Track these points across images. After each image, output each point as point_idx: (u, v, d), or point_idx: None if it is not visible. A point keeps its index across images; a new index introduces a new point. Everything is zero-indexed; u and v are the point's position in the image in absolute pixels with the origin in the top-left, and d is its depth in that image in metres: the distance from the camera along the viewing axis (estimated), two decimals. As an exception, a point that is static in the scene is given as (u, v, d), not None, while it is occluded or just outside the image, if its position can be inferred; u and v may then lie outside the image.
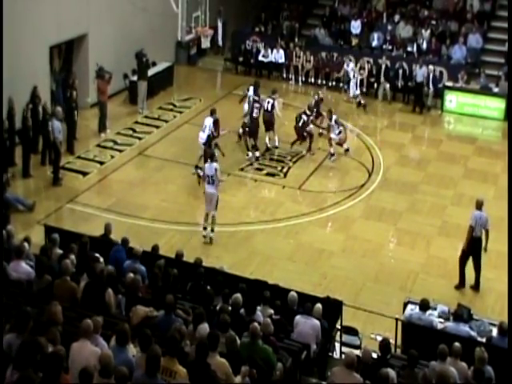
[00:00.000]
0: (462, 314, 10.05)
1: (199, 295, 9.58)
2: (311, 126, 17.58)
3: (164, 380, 6.81)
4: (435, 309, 10.57)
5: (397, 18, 23.75)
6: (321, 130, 18.20)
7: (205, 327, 8.16)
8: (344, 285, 12.67)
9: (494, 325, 9.99)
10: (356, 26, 23.75)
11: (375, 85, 21.78)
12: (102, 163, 16.95)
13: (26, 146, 15.91)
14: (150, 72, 20.56)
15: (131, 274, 9.77)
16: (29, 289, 9.00)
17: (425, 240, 14.05)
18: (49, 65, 18.15)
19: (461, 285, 12.80)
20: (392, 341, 9.74)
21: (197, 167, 16.06)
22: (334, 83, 22.47)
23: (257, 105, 17.18)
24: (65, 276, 9.06)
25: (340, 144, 17.34)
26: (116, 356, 6.83)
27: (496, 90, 20.86)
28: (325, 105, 19.04)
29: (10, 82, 15.28)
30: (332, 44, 23.67)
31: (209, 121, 16.07)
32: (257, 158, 17.18)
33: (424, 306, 10.12)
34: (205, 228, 13.89)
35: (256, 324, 8.35)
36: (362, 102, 20.89)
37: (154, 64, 21.45)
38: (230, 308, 9.02)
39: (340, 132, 17.27)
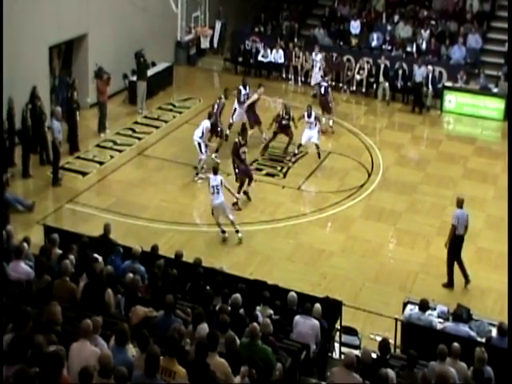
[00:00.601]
0: (461, 315, 10.05)
1: (199, 295, 9.58)
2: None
3: (163, 380, 6.80)
4: (435, 309, 10.57)
5: (396, 18, 23.75)
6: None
7: (204, 327, 8.15)
8: (343, 285, 12.67)
9: (494, 325, 9.99)
10: (355, 27, 23.76)
11: (374, 85, 21.77)
12: (101, 163, 16.95)
13: (25, 146, 15.91)
14: (150, 72, 20.56)
15: (131, 274, 9.77)
16: (28, 289, 9.00)
17: (424, 240, 14.04)
18: (48, 65, 18.15)
19: (450, 284, 12.79)
20: (391, 341, 9.73)
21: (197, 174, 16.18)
22: (333, 83, 22.43)
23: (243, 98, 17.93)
24: (64, 276, 9.06)
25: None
26: (115, 356, 6.83)
27: (495, 90, 20.86)
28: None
29: (10, 82, 15.28)
30: (331, 44, 23.67)
31: (206, 123, 16.15)
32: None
33: (423, 306, 10.12)
34: (223, 231, 13.98)
35: (255, 324, 8.35)
36: (314, 92, 20.89)
37: (154, 64, 21.45)
38: (229, 308, 9.02)
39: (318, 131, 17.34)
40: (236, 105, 18.13)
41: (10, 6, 14.75)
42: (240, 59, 23.78)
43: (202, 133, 16.04)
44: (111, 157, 17.29)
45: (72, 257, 9.89)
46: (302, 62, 22.88)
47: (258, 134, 17.93)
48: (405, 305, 10.80)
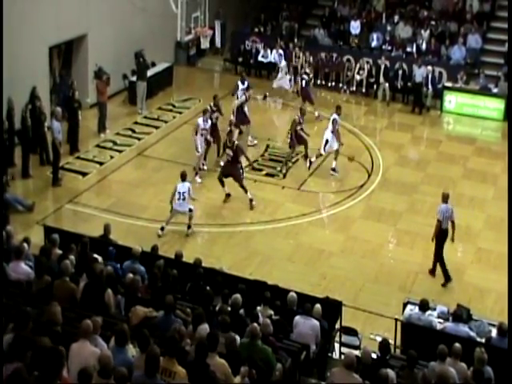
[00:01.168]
0: (461, 315, 10.05)
1: (199, 296, 9.57)
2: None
3: (163, 380, 6.81)
4: (434, 309, 10.57)
5: (396, 18, 23.75)
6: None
7: (205, 328, 8.15)
8: (343, 285, 12.68)
9: (494, 325, 9.99)
10: (355, 27, 23.76)
11: (375, 86, 21.78)
12: (101, 163, 16.95)
13: (25, 147, 15.91)
14: (150, 72, 20.56)
15: (130, 275, 9.77)
16: (28, 289, 8.99)
17: (424, 240, 14.00)
18: (48, 65, 18.16)
19: (446, 280, 12.87)
20: (391, 341, 9.74)
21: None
22: (333, 83, 22.48)
23: (240, 93, 17.96)
24: (64, 276, 9.06)
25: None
26: (115, 356, 6.83)
27: (495, 90, 20.87)
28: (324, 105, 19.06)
29: (10, 83, 15.27)
30: (331, 44, 23.68)
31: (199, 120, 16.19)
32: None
33: (423, 306, 10.12)
34: (162, 228, 13.91)
35: (255, 324, 8.35)
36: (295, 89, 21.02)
37: (154, 64, 21.45)
38: (229, 308, 9.02)
39: None
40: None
41: (9, 6, 14.75)
42: (240, 59, 23.79)
43: (196, 130, 16.07)
44: (111, 157, 17.29)
45: (72, 257, 9.89)
46: (301, 62, 22.87)
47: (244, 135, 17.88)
48: (405, 305, 10.80)
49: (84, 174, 16.36)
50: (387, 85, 21.52)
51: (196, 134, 16.08)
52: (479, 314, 10.68)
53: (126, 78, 20.43)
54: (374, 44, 23.27)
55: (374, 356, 8.65)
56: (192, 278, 10.14)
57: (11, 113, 15.80)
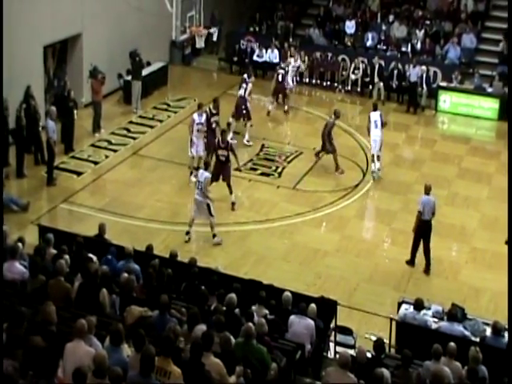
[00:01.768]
0: (455, 314, 10.07)
1: (194, 295, 9.57)
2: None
3: (158, 380, 6.80)
4: (429, 308, 10.59)
5: (391, 18, 23.79)
6: None
7: (202, 328, 8.14)
8: (338, 285, 12.69)
9: (488, 324, 10.02)
10: (350, 26, 23.79)
11: (370, 86, 21.79)
12: (96, 163, 16.93)
13: (19, 146, 15.87)
14: (145, 72, 20.54)
15: (125, 274, 9.76)
16: (23, 289, 8.97)
17: (419, 240, 14.04)
18: (43, 64, 18.12)
19: (411, 263, 13.26)
20: (386, 340, 9.75)
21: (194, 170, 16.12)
22: (328, 83, 22.49)
23: (244, 85, 18.10)
24: (59, 276, 9.05)
25: None
26: (110, 356, 6.82)
27: (490, 90, 20.91)
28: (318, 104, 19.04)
29: (4, 82, 15.22)
30: (326, 44, 23.69)
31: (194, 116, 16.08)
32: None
33: (418, 305, 10.14)
34: (188, 232, 13.77)
35: (250, 324, 8.35)
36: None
37: (149, 64, 21.43)
38: (224, 308, 9.02)
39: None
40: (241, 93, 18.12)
41: (4, 5, 14.69)
42: (235, 59, 23.78)
43: (191, 127, 15.96)
44: (106, 156, 17.27)
45: (67, 256, 9.87)
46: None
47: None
48: (399, 304, 10.82)
49: (79, 174, 16.34)
50: (382, 84, 21.55)
51: (192, 132, 15.93)
52: (474, 313, 10.71)
53: (120, 77, 20.40)
54: (368, 43, 23.30)
55: (368, 355, 8.67)
56: (187, 277, 10.14)
57: (5, 112, 15.76)
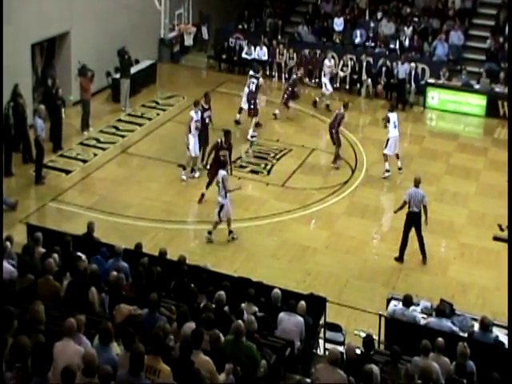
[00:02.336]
0: (444, 310, 10.12)
1: (183, 293, 9.57)
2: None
3: (148, 378, 6.80)
4: (418, 304, 10.65)
5: (379, 15, 23.82)
6: None
7: (191, 326, 8.14)
8: (327, 281, 12.73)
9: (476, 320, 10.07)
10: (339, 24, 23.82)
11: (358, 84, 21.79)
12: (85, 161, 16.89)
13: (7, 145, 15.79)
14: (133, 70, 20.49)
15: (114, 273, 9.75)
16: (11, 288, 8.94)
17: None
18: (31, 63, 18.04)
19: (400, 259, 13.38)
20: (375, 337, 9.80)
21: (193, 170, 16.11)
22: (316, 80, 22.51)
23: (253, 80, 18.24)
24: (48, 275, 9.02)
25: None
26: (100, 355, 6.82)
27: (477, 86, 21.01)
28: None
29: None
30: (315, 41, 23.71)
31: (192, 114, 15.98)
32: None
33: (407, 301, 10.19)
34: (230, 232, 13.86)
35: (240, 321, 8.37)
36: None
37: (137, 62, 21.38)
38: (213, 306, 9.03)
39: None
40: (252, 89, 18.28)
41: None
42: (224, 56, 23.76)
43: (189, 126, 15.88)
44: (95, 155, 17.23)
45: (55, 255, 9.84)
46: (285, 59, 22.91)
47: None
48: (388, 301, 10.87)
49: (67, 172, 16.29)
50: (370, 81, 21.60)
51: (190, 131, 15.81)
52: (462, 309, 10.77)
53: (109, 75, 20.34)
54: (357, 41, 23.34)
55: (358, 352, 8.70)
56: (176, 275, 10.14)
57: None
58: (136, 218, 14.43)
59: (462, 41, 22.82)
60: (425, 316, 10.35)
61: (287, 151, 17.81)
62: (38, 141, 15.46)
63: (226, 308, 9.18)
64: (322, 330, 10.48)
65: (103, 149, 17.54)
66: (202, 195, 15.00)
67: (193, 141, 15.87)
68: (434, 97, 21.15)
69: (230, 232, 13.81)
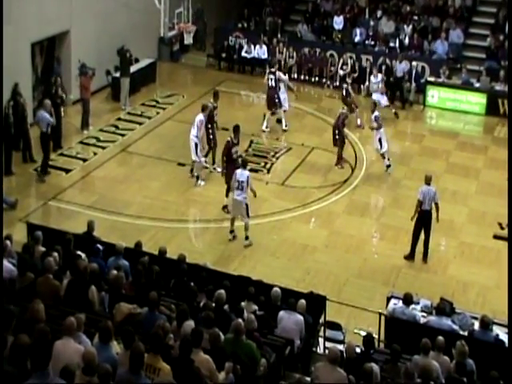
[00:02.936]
0: (444, 308, 10.12)
1: (183, 292, 9.57)
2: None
3: (148, 377, 6.80)
4: (418, 303, 10.64)
5: (379, 13, 23.82)
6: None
7: (190, 324, 8.15)
8: (327, 280, 12.72)
9: (476, 318, 10.08)
10: (339, 22, 23.81)
11: (362, 85, 21.73)
12: (84, 160, 16.89)
13: (7, 143, 15.79)
14: (133, 68, 20.48)
15: (114, 271, 9.75)
16: (11, 287, 8.94)
17: (408, 235, 14.04)
18: (31, 62, 18.04)
19: (410, 257, 13.33)
20: (375, 335, 9.80)
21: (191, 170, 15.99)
22: (316, 78, 22.51)
23: (271, 76, 18.67)
24: (48, 274, 9.02)
25: None
26: (99, 353, 6.81)
27: (477, 85, 21.00)
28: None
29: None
30: (315, 40, 23.70)
31: (198, 117, 15.75)
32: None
33: (407, 300, 10.19)
34: (231, 231, 13.71)
35: (240, 320, 8.37)
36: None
37: (137, 60, 21.37)
38: (213, 304, 9.03)
39: None
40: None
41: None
42: (223, 55, 23.75)
43: (196, 129, 15.63)
44: (94, 153, 17.23)
45: (55, 254, 9.84)
46: (285, 57, 22.90)
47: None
48: (388, 299, 10.86)
49: (67, 171, 16.29)
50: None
51: (201, 134, 15.63)
52: (462, 308, 10.77)
53: (109, 74, 20.33)
54: (357, 39, 23.33)
55: (358, 350, 8.70)
56: (176, 274, 10.14)
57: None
58: (136, 217, 14.43)
59: (462, 39, 22.82)
60: (425, 314, 10.35)
61: (287, 149, 17.81)
62: (43, 134, 15.49)
63: (226, 307, 9.19)
64: (322, 328, 10.48)
65: (103, 147, 17.54)
66: (225, 206, 14.67)
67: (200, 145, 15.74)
68: (434, 95, 21.14)
69: (232, 231, 13.77)
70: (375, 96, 19.97)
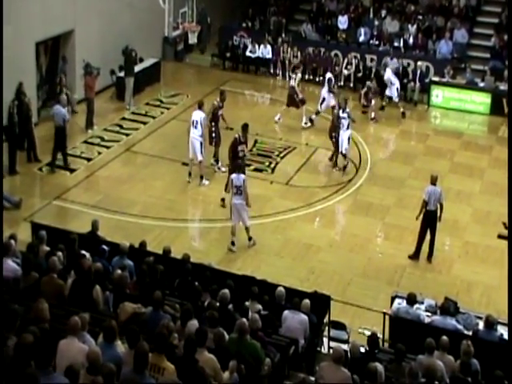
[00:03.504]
0: (448, 308, 10.11)
1: (187, 291, 9.58)
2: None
3: (152, 376, 6.80)
4: (422, 302, 10.64)
5: (383, 13, 23.81)
6: None
7: (195, 324, 8.16)
8: (332, 280, 12.72)
9: (481, 318, 10.07)
10: (343, 22, 23.80)
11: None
12: (89, 160, 16.91)
13: (12, 143, 15.82)
14: (137, 68, 20.50)
15: (119, 271, 9.76)
16: (15, 286, 8.95)
17: (412, 234, 14.04)
18: (35, 61, 18.06)
19: (415, 256, 13.33)
20: (380, 335, 9.79)
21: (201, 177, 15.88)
22: (321, 78, 22.48)
23: (293, 75, 19.49)
24: (52, 273, 9.03)
25: None
26: (104, 353, 6.82)
27: (482, 84, 20.97)
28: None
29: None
30: (319, 39, 23.69)
31: (198, 115, 15.79)
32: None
33: (411, 299, 10.18)
34: (233, 243, 13.46)
35: (244, 320, 8.37)
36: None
37: (141, 60, 21.38)
38: (217, 304, 9.03)
39: None
40: (325, 93, 18.87)
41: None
42: (228, 54, 23.75)
43: (201, 128, 15.63)
44: (99, 153, 17.24)
45: (60, 253, 9.86)
46: (289, 57, 22.89)
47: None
48: (393, 299, 10.85)
49: (72, 171, 16.31)
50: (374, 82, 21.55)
51: (201, 135, 15.61)
52: (466, 307, 10.76)
53: (113, 73, 20.35)
54: (361, 39, 23.32)
55: (362, 350, 8.70)
56: (180, 273, 10.14)
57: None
58: (140, 216, 14.44)
59: (467, 39, 22.78)
60: (429, 314, 10.35)
61: (291, 149, 17.80)
62: (59, 128, 15.67)
63: (230, 306, 9.19)
64: (327, 328, 10.48)
65: (107, 147, 17.55)
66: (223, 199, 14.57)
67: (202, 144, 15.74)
68: (439, 95, 21.10)
69: (233, 243, 13.54)
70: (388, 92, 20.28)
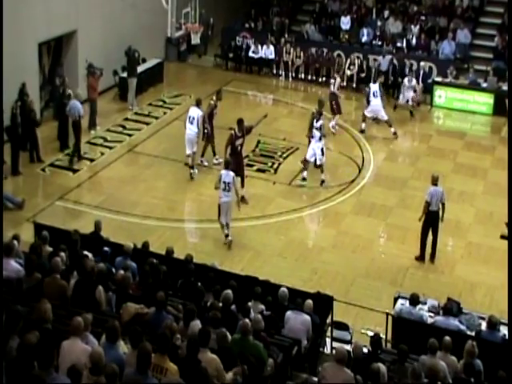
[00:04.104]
0: (451, 308, 10.10)
1: (190, 292, 9.58)
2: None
3: (155, 377, 6.81)
4: (425, 303, 10.63)
5: (386, 13, 23.82)
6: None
7: (197, 324, 8.16)
8: (334, 280, 12.71)
9: (483, 318, 10.06)
10: (346, 22, 23.81)
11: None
12: (91, 160, 16.92)
13: (14, 144, 15.84)
14: (140, 69, 20.51)
15: (121, 271, 9.77)
16: (18, 287, 8.96)
17: (415, 235, 14.03)
18: (38, 62, 18.09)
19: (421, 258, 13.32)
20: (382, 335, 9.79)
21: (192, 167, 16.01)
22: (323, 79, 22.50)
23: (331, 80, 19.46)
24: (55, 274, 9.03)
25: None
26: (106, 353, 6.83)
27: (484, 85, 20.96)
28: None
29: (-1, 79, 15.20)
30: (322, 40, 23.70)
31: (195, 111, 15.84)
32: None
33: (414, 300, 10.17)
34: (226, 235, 13.56)
35: (247, 320, 8.37)
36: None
37: (144, 61, 21.41)
38: (220, 304, 9.03)
39: None
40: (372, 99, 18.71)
41: (-2, 2, 14.66)
42: (231, 55, 23.77)
43: (197, 125, 15.78)
44: (102, 153, 17.26)
45: (63, 254, 9.86)
46: (292, 57, 22.90)
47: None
48: (395, 299, 10.84)
49: (75, 171, 16.33)
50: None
51: (198, 128, 15.81)
52: (469, 308, 10.76)
53: (116, 74, 20.38)
54: (364, 39, 23.32)
55: (365, 350, 8.69)
56: (183, 274, 10.14)
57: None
58: (143, 217, 14.45)
59: (469, 39, 22.77)
60: (432, 315, 10.33)
61: (294, 150, 17.80)
62: (75, 123, 16.00)
63: (233, 307, 9.19)
64: (329, 328, 10.47)
65: (110, 148, 17.57)
66: (242, 197, 14.38)
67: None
68: (441, 95, 21.10)
69: (227, 235, 13.62)
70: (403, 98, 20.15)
